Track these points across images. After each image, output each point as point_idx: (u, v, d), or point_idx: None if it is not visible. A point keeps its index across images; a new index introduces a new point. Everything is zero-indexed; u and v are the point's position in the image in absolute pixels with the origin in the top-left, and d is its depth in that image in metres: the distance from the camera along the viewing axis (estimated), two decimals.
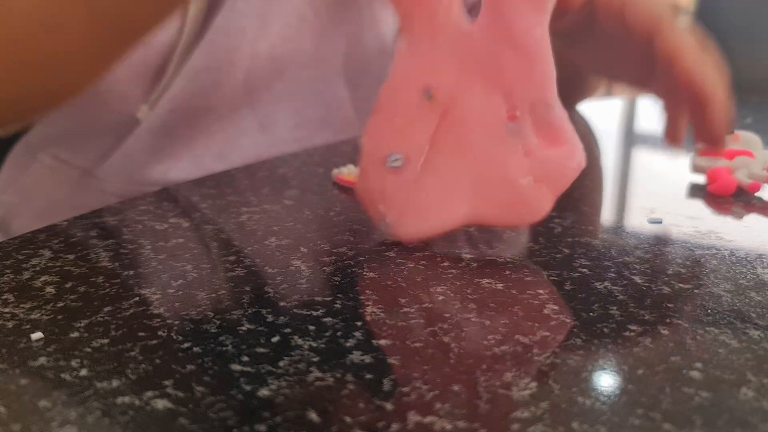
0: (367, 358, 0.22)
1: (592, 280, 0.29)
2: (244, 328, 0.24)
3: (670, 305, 0.26)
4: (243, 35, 0.51)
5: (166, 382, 0.21)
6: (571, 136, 0.32)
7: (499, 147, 0.31)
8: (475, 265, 0.30)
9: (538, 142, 0.32)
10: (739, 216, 0.38)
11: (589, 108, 0.71)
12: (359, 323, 0.25)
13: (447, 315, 0.25)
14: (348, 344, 0.23)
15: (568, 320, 0.25)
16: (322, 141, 0.58)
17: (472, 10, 0.54)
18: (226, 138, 0.54)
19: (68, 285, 0.28)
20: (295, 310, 0.26)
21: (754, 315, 0.25)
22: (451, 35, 0.31)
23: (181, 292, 0.27)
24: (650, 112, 0.74)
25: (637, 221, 0.36)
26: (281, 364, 0.22)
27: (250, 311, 0.26)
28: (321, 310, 0.26)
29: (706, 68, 0.40)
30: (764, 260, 0.31)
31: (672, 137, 0.44)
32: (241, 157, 0.55)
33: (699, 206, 0.39)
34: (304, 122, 0.57)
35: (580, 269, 0.30)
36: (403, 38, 0.31)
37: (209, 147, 0.54)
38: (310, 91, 0.57)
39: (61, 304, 0.26)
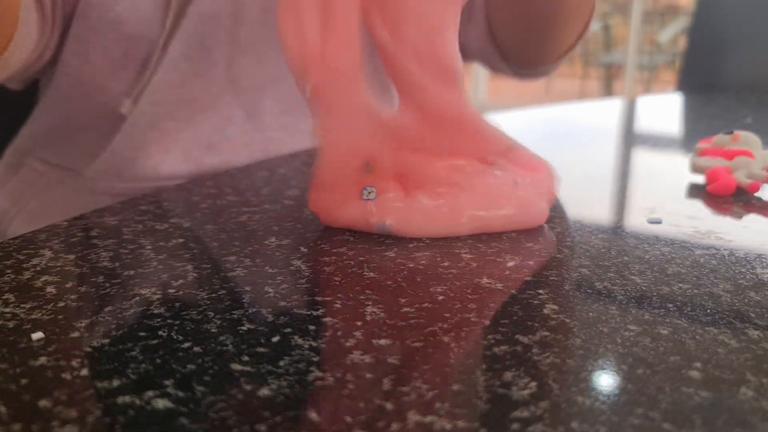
0: (367, 358, 0.22)
1: (591, 279, 0.29)
2: (244, 328, 0.24)
3: (670, 305, 0.26)
4: (218, 21, 0.51)
5: (167, 382, 0.21)
6: (540, 161, 0.36)
7: (490, 180, 0.34)
8: (475, 265, 0.30)
9: (521, 172, 0.35)
10: (739, 216, 0.38)
11: (590, 108, 0.71)
12: (359, 323, 0.25)
13: (447, 315, 0.25)
14: (348, 344, 0.23)
15: (567, 320, 0.25)
16: (308, 127, 0.58)
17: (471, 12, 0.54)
18: (212, 128, 0.54)
19: (69, 285, 0.28)
20: (295, 310, 0.26)
21: (753, 315, 0.25)
22: (366, 114, 0.32)
23: (181, 292, 0.28)
24: (650, 112, 0.75)
25: (637, 221, 0.37)
26: (281, 363, 0.22)
27: (250, 311, 0.26)
28: (321, 310, 0.26)
29: None
30: (763, 260, 0.31)
31: None
32: (230, 147, 0.54)
33: (698, 206, 0.40)
34: (289, 108, 0.57)
35: (579, 269, 0.30)
36: (321, 117, 0.32)
37: (197, 138, 0.54)
38: (293, 76, 0.57)
39: (61, 304, 0.26)
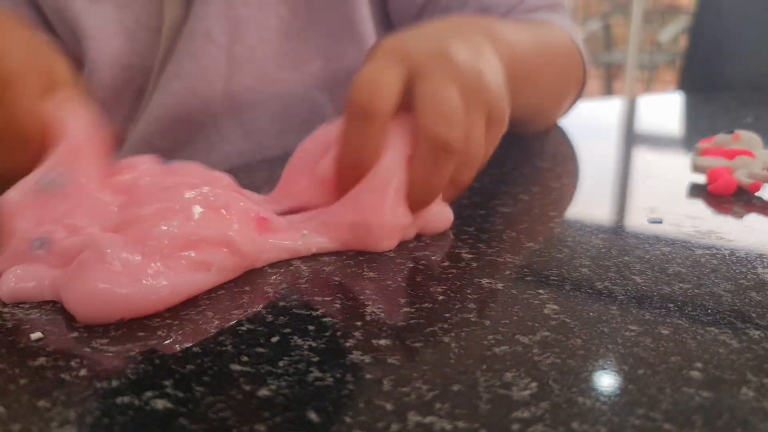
0: (367, 358, 0.22)
1: (592, 279, 0.29)
2: (243, 328, 0.24)
3: (671, 305, 0.26)
4: (213, 40, 0.51)
5: (166, 382, 0.21)
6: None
7: None
8: (475, 265, 0.30)
9: None
10: (740, 216, 0.38)
11: (590, 108, 0.71)
12: (359, 323, 0.25)
13: (447, 315, 0.25)
14: (348, 344, 0.23)
15: (568, 320, 0.25)
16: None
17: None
18: (209, 147, 0.54)
19: None
20: (294, 310, 0.26)
21: (754, 315, 0.25)
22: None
23: None
24: (650, 112, 0.75)
25: (638, 221, 0.36)
26: (281, 364, 0.22)
27: (249, 311, 0.26)
28: (321, 310, 0.26)
29: None
30: (764, 260, 0.31)
31: None
32: (226, 167, 0.54)
33: (699, 206, 0.39)
34: (287, 127, 0.57)
35: (580, 269, 0.30)
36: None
37: (193, 157, 0.54)
38: (291, 95, 0.57)
39: (60, 304, 0.26)
